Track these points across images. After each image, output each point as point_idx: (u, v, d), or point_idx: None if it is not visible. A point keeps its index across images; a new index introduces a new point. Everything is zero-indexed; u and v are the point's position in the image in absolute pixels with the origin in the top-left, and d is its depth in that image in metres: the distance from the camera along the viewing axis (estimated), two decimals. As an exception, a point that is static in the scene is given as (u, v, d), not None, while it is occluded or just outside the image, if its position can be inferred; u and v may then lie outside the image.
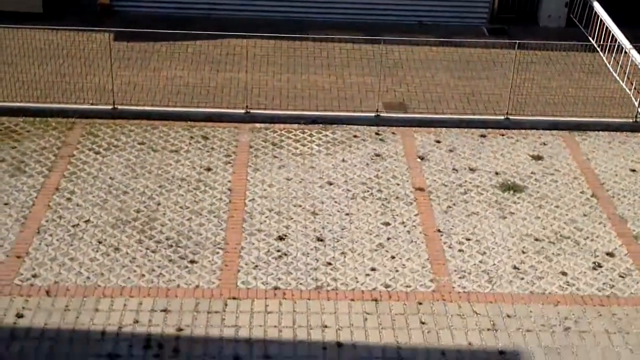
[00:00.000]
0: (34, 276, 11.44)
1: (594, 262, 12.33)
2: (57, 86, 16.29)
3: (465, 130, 15.77)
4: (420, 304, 11.30)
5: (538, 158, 14.94)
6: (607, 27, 18.08)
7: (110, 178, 13.74)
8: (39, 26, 17.87)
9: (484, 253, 12.41)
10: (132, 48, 17.90)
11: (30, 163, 13.99)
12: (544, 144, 15.44)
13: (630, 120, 16.15)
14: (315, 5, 19.71)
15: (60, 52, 17.55)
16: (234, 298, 11.21)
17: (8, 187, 13.33)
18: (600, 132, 15.90)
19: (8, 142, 14.55)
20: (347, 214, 13.16)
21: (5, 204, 12.94)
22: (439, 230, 12.88)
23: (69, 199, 13.13)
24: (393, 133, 15.55)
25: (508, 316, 11.16)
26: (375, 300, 11.33)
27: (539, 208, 13.53)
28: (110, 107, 15.63)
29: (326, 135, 15.35)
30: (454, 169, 14.49)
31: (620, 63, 17.73)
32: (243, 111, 15.79)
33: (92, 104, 15.74)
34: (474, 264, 12.16)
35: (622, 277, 12.06)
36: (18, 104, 15.55)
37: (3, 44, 17.56)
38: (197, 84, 16.72)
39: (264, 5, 19.61)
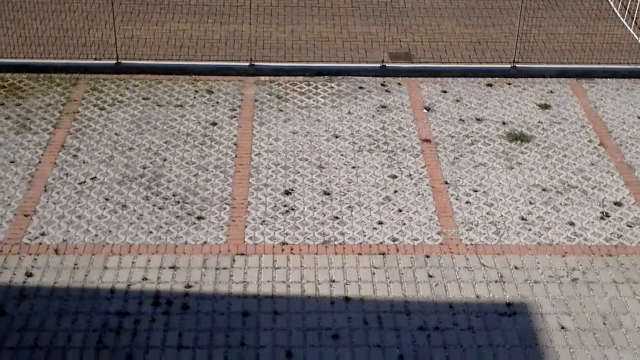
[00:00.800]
0: (42, 234, 11.49)
1: (602, 212, 12.31)
2: (59, 41, 16.18)
3: (472, 79, 15.64)
4: (428, 257, 11.33)
5: (545, 107, 14.84)
6: (615, -29, 17.84)
7: (116, 134, 13.71)
8: (39, -20, 17.70)
9: (492, 205, 12.40)
10: (134, 1, 17.72)
11: (35, 120, 13.96)
12: (551, 92, 15.32)
13: (639, 67, 15.99)
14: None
15: (62, 6, 17.38)
16: (241, 254, 11.26)
17: (14, 145, 13.32)
18: (608, 79, 15.75)
19: (12, 99, 14.50)
20: (353, 167, 13.13)
21: (12, 161, 12.94)
22: (446, 182, 12.86)
23: (74, 156, 13.12)
24: (399, 84, 15.44)
25: (515, 268, 11.18)
26: (383, 254, 11.37)
27: (547, 158, 13.47)
28: (114, 61, 15.52)
29: (331, 87, 15.25)
30: (460, 120, 14.41)
31: (627, 8, 17.49)
32: (247, 64, 15.67)
33: (95, 59, 15.65)
34: (481, 216, 12.16)
35: (630, 226, 12.05)
36: (21, 60, 15.46)
37: (4, -1, 17.44)
38: (200, 37, 16.58)
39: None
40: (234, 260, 11.16)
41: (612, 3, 18.13)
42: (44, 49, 15.89)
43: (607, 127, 14.35)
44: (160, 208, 12.10)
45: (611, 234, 11.90)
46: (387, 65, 15.81)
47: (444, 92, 15.23)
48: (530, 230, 11.91)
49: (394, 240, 11.64)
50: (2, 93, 14.69)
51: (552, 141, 13.92)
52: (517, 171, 13.15)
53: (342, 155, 13.44)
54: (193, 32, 16.76)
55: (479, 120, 14.43)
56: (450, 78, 15.66)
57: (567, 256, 11.44)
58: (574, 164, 13.37)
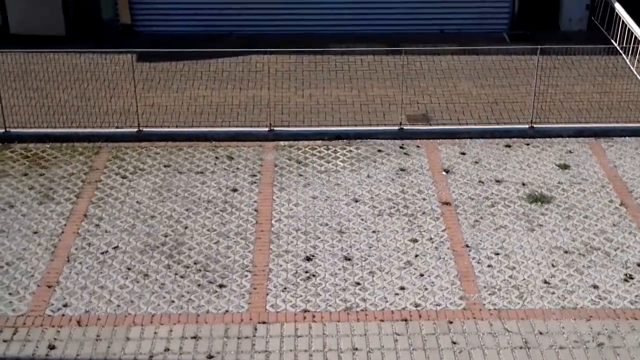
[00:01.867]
0: (65, 306, 11.53)
1: (626, 274, 12.22)
2: (82, 110, 16.43)
3: (490, 140, 15.71)
4: (451, 322, 11.26)
5: (564, 167, 14.84)
6: (629, 29, 17.93)
7: (138, 202, 13.83)
8: (62, 49, 18.01)
9: (514, 268, 12.34)
10: (155, 68, 18.01)
11: (58, 190, 14.12)
12: (570, 152, 15.33)
13: (657, 125, 16.03)
14: (335, 19, 19.73)
15: (84, 75, 17.69)
16: (263, 322, 11.24)
17: (37, 215, 13.46)
18: (627, 137, 15.76)
19: (36, 169, 14.69)
20: (373, 232, 13.15)
21: (35, 232, 13.06)
22: (467, 246, 12.83)
23: (97, 225, 13.23)
24: (417, 146, 15.52)
25: (540, 333, 11.08)
26: (405, 320, 11.31)
27: (568, 219, 13.44)
28: (135, 129, 15.74)
29: (350, 151, 15.35)
30: (480, 181, 14.43)
31: (644, 66, 17.59)
32: (267, 129, 15.83)
33: (117, 128, 15.87)
34: (504, 280, 12.10)
35: (654, 288, 11.96)
36: (45, 130, 15.70)
37: (28, 69, 17.74)
38: (220, 103, 16.79)
39: (284, 21, 19.65)
40: (255, 329, 11.13)
41: (628, 61, 18.21)
42: (66, 118, 16.14)
43: (627, 186, 14.32)
44: (181, 277, 12.14)
45: (636, 296, 11.78)
46: (405, 127, 15.91)
47: (463, 153, 15.29)
48: (553, 293, 11.83)
49: (417, 305, 11.59)
50: (25, 163, 14.90)
51: (573, 202, 13.89)
52: (539, 233, 13.11)
53: (362, 219, 13.47)
54: (213, 98, 16.98)
55: (498, 181, 14.45)
56: (469, 139, 15.73)
57: (592, 320, 11.33)
58: (596, 225, 13.31)
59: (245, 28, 19.68)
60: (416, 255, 12.61)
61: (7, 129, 15.68)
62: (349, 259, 12.53)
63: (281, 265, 12.38)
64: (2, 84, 16.30)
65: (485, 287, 11.94)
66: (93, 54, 18.23)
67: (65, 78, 17.52)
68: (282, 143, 15.58)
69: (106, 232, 13.10)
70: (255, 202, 13.87)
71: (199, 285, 11.96)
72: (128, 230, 13.14)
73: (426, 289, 11.90)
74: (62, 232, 13.06)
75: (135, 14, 19.63)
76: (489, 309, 11.50)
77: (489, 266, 12.38)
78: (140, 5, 19.57)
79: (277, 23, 19.67)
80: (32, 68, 17.75)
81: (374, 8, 19.65)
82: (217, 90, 17.25)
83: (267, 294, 11.79)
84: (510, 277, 12.15)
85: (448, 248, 12.79)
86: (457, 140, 15.71)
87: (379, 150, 15.37)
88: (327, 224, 13.33)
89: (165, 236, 13.03)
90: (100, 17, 19.91)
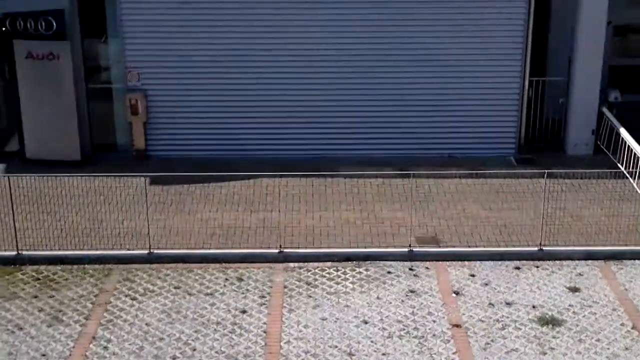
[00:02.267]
0: None
1: (640, 399, 12.03)
2: (94, 232, 16.62)
3: (499, 262, 15.73)
4: None
5: (575, 290, 14.80)
6: (635, 154, 18.20)
7: (147, 324, 13.80)
8: (76, 174, 18.37)
9: (526, 392, 12.17)
10: (167, 191, 18.30)
11: (67, 312, 14.13)
12: (580, 274, 15.32)
13: (666, 247, 16.06)
14: (344, 143, 20.13)
15: (97, 198, 17.98)
16: None
17: (46, 338, 13.42)
18: (637, 260, 15.76)
19: (46, 292, 14.75)
20: (383, 354, 13.03)
21: (43, 355, 13.00)
22: (478, 369, 12.69)
23: (105, 348, 13.17)
24: (427, 268, 15.55)
25: None
26: None
27: (579, 342, 13.30)
28: (146, 251, 15.86)
29: (360, 272, 15.38)
30: (490, 304, 14.38)
31: (651, 189, 17.76)
32: (277, 251, 15.94)
33: (128, 250, 16.01)
34: (516, 404, 11.91)
35: (670, 413, 11.73)
36: (56, 253, 15.85)
37: (42, 192, 18.05)
38: (231, 225, 16.96)
39: (295, 145, 20.06)
40: None
41: (635, 185, 18.41)
42: (78, 241, 16.31)
43: (638, 309, 14.22)
44: (189, 400, 12.00)
45: (651, 421, 11.57)
46: (414, 249, 15.99)
47: (472, 275, 15.29)
48: (567, 418, 11.61)
49: None
50: (36, 285, 14.98)
51: (584, 325, 13.78)
52: (550, 357, 12.96)
53: (372, 341, 13.37)
54: (224, 220, 17.17)
55: (508, 304, 14.39)
56: (478, 262, 15.76)
57: None
58: (608, 349, 13.16)
59: (257, 152, 20.08)
60: (427, 379, 12.47)
61: (20, 252, 15.85)
62: (359, 383, 12.39)
63: (290, 389, 12.24)
64: (17, 207, 16.56)
65: (497, 411, 11.75)
66: (107, 178, 18.57)
67: (79, 201, 17.81)
68: (291, 265, 15.65)
69: (114, 354, 13.02)
70: (264, 323, 13.82)
71: (206, 409, 11.81)
72: (136, 353, 13.06)
73: (437, 414, 11.71)
74: (70, 355, 12.99)
75: (150, 139, 20.11)
76: None
77: (500, 390, 12.21)
78: (154, 131, 20.06)
79: (288, 147, 20.08)
80: (46, 192, 18.07)
81: (382, 132, 20.09)
82: (228, 213, 17.46)
83: (276, 419, 11.62)
84: (523, 401, 11.98)
85: (459, 371, 12.65)
86: (466, 263, 15.75)
87: (389, 272, 15.40)
88: (336, 346, 13.23)
89: (174, 358, 12.93)
90: (114, 142, 20.41)
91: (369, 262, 15.76)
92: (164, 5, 19.11)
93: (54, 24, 18.81)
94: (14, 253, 15.83)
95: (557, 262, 15.75)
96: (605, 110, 20.26)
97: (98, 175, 18.49)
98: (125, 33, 19.31)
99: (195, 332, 13.59)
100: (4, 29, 19.15)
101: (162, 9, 19.13)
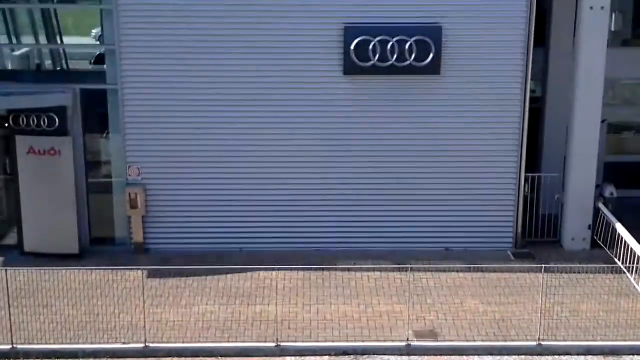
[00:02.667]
0: None
1: None
2: (89, 326, 16.52)
3: (498, 357, 15.60)
4: None
5: (574, 384, 14.67)
6: (631, 249, 18.25)
7: (140, 419, 13.62)
8: (74, 267, 18.38)
9: None
10: (164, 285, 18.27)
11: (60, 405, 13.97)
12: (579, 369, 15.21)
13: (666, 342, 15.95)
14: (341, 236, 20.21)
15: (94, 291, 17.94)
16: None
17: None
18: (635, 356, 15.64)
19: (39, 385, 14.61)
20: None
21: None
22: None
23: None
24: (425, 362, 15.44)
25: None
26: None
27: None
28: (141, 345, 15.74)
29: (357, 367, 15.26)
30: (488, 399, 14.22)
31: (649, 283, 17.74)
32: (273, 344, 15.82)
33: (123, 343, 15.88)
34: None
35: None
36: (51, 346, 15.72)
37: (39, 285, 18.01)
38: (227, 318, 16.88)
39: (291, 238, 20.13)
40: None
41: (632, 280, 18.40)
42: (73, 334, 16.19)
43: (639, 404, 14.07)
44: None
45: None
46: (412, 343, 15.88)
47: (471, 370, 15.17)
48: None
49: None
50: (30, 378, 14.84)
51: (584, 420, 13.62)
52: None
53: None
54: (220, 313, 17.09)
55: (507, 399, 14.23)
56: (477, 356, 15.63)
57: None
58: None
59: (254, 245, 20.13)
60: None
61: (14, 345, 15.73)
62: None
63: None
64: (13, 300, 16.51)
65: None
66: (104, 271, 18.56)
67: (75, 294, 17.76)
68: (288, 358, 15.51)
69: None
70: (260, 419, 13.64)
71: None
72: None
73: None
74: None
75: (148, 233, 20.19)
76: None
77: None
78: (152, 225, 20.16)
79: (285, 239, 20.14)
80: (43, 284, 18.03)
81: (379, 226, 20.19)
82: (224, 306, 17.39)
83: None
84: None
85: None
86: (464, 357, 15.61)
87: (386, 367, 15.28)
88: None
89: None
90: (113, 235, 20.48)
91: (366, 355, 15.63)
92: (166, 103, 19.45)
93: (57, 120, 19.13)
94: (9, 347, 15.70)
95: (556, 356, 15.63)
96: (601, 205, 20.41)
97: (95, 268, 18.48)
98: (127, 129, 19.62)
99: None
100: (7, 124, 19.46)
101: (164, 106, 19.47)
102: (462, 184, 20.11)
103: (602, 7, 18.60)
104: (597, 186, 20.65)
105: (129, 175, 19.96)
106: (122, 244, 20.33)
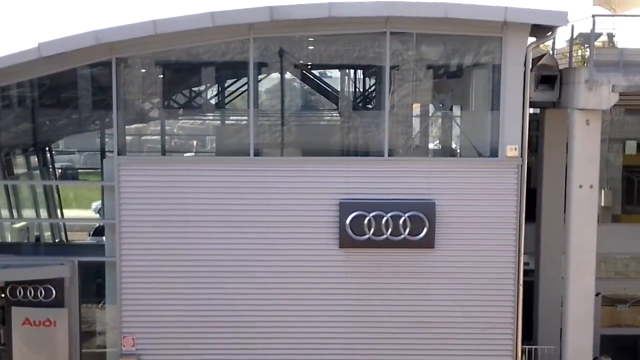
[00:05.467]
0: None
1: None
2: None
3: None
4: None
5: None
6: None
7: None
8: None
9: None
10: None
11: None
12: None
13: None
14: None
15: None
16: None
17: None
18: None
19: None
20: None
21: None
22: None
23: None
24: None
25: None
26: None
27: None
28: None
29: None
30: None
31: None
32: None
33: None
34: None
35: None
36: None
37: None
38: None
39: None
40: None
41: None
42: None
43: None
44: None
45: None
46: None
47: None
48: None
49: None
50: None
51: None
52: None
53: None
54: None
55: None
56: None
57: None
58: None
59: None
60: None
61: None
62: None
63: None
64: None
65: None
66: None
67: None
68: None
69: None
70: None
71: None
72: None
73: None
74: None
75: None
76: None
77: None
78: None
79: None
80: None
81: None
82: None
83: None
84: None
85: None
86: None
87: None
88: None
89: None
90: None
91: None
92: (164, 275, 19.60)
93: (54, 292, 19.21)
94: None
95: None
96: (599, 378, 20.25)
97: None
98: (124, 300, 19.65)
99: None
100: (2, 295, 19.51)
101: (162, 278, 19.61)
102: (459, 356, 19.92)
103: (591, 186, 19.09)
104: (594, 359, 20.49)
105: (124, 345, 19.82)
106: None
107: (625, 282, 23.70)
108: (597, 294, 20.50)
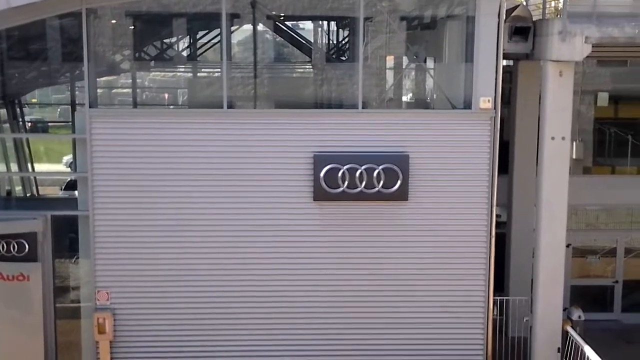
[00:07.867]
0: None
1: None
2: None
3: None
4: None
5: None
6: (601, 374, 18.31)
7: None
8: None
9: None
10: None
11: None
12: None
13: None
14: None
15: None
16: None
17: None
18: None
19: None
20: None
21: None
22: None
23: None
24: None
25: None
26: None
27: None
28: None
29: None
30: None
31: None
32: None
33: None
34: None
35: None
36: None
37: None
38: None
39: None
40: None
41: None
42: None
43: None
44: None
45: None
46: None
47: None
48: None
49: None
50: None
51: None
52: None
53: None
54: None
55: None
56: None
57: None
58: None
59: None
60: None
61: None
62: None
63: None
64: None
65: None
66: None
67: None
68: None
69: None
70: None
71: None
72: None
73: None
74: None
75: (115, 358, 19.89)
76: None
77: None
78: (120, 349, 19.83)
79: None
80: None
81: (346, 344, 20.07)
82: None
83: None
84: None
85: None
86: None
87: None
88: None
89: None
90: (80, 362, 20.24)
91: None
92: (137, 229, 19.55)
93: (27, 246, 19.11)
94: None
95: None
96: (569, 328, 20.53)
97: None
98: (97, 254, 19.60)
99: None
100: (-25, 251, 19.45)
101: (135, 232, 19.57)
102: (431, 307, 20.14)
103: (563, 138, 19.21)
104: (564, 309, 20.82)
105: (98, 300, 19.82)
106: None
107: (596, 233, 24.03)
108: (567, 246, 20.74)
